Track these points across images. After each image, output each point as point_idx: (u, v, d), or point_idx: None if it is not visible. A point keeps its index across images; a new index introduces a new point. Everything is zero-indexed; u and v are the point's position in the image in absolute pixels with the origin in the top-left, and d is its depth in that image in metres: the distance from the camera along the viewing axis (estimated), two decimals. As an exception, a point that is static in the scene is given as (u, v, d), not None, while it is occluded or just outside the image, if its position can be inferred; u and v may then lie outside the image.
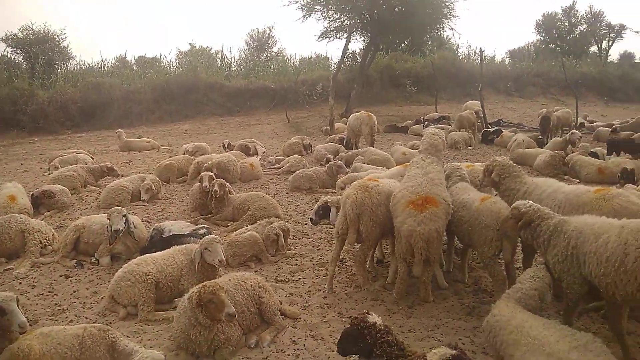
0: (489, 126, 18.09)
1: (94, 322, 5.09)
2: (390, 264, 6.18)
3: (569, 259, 4.43)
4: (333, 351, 4.61)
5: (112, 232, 6.59)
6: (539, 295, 4.64)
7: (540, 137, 15.47)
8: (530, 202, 5.03)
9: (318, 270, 6.55)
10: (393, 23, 26.99)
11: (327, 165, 10.91)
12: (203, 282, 5.52)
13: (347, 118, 22.97)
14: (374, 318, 3.83)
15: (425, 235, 5.14)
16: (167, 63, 34.17)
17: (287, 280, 6.24)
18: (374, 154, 11.97)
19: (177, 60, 35.87)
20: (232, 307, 4.35)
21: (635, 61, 64.24)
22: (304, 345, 4.76)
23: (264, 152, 14.50)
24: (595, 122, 22.38)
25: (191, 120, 26.39)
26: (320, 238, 7.75)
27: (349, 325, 3.94)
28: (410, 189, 5.49)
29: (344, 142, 14.51)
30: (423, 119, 22.63)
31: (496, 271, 5.36)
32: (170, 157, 13.70)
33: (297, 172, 10.73)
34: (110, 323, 5.23)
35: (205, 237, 5.67)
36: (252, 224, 8.00)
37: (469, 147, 15.62)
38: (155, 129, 23.62)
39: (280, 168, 12.42)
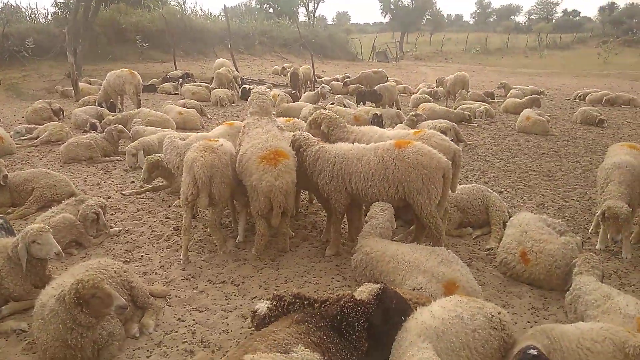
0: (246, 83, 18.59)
1: None
2: (239, 222, 6.11)
3: (335, 179, 5.50)
4: (227, 318, 4.48)
5: None
6: (390, 224, 5.41)
7: (293, 92, 16.78)
8: (303, 132, 6.03)
9: (157, 243, 6.00)
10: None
11: (105, 131, 9.66)
12: (33, 281, 4.61)
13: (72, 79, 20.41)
14: (261, 307, 3.76)
15: (284, 188, 5.28)
16: None
17: (128, 260, 5.54)
18: (150, 115, 11.10)
19: None
20: (121, 298, 3.73)
21: (329, 23, 73.95)
22: (193, 319, 4.44)
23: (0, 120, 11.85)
24: (322, 77, 25.28)
25: None
26: (138, 210, 7.01)
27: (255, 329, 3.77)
28: (258, 146, 5.47)
29: (106, 105, 12.92)
30: (167, 76, 21.87)
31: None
32: None
33: (71, 140, 9.21)
34: None
35: (28, 228, 4.55)
36: (42, 206, 6.77)
37: (233, 104, 15.89)
38: None
39: (36, 138, 10.39)
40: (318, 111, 6.68)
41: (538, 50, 55.37)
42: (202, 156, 5.34)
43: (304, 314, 3.69)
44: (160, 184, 7.91)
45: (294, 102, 15.37)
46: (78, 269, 4.33)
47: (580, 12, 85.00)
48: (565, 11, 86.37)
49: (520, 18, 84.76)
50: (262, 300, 3.82)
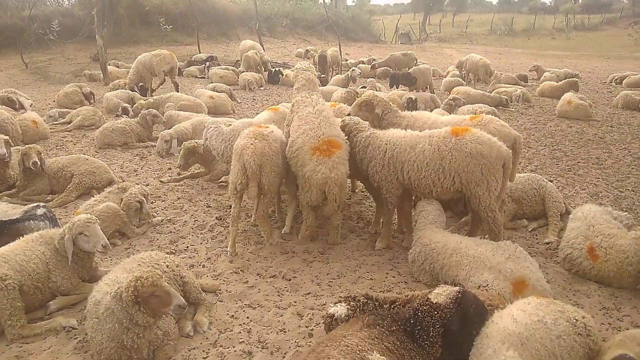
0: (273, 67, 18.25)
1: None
2: (288, 212, 5.89)
3: (386, 167, 5.17)
4: (282, 316, 4.27)
5: None
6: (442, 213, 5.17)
7: (323, 75, 16.41)
8: (355, 117, 5.71)
9: (200, 233, 5.81)
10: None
11: (139, 115, 9.49)
12: (80, 274, 4.45)
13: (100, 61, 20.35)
14: (339, 311, 3.59)
15: (339, 180, 5.03)
16: None
17: (173, 251, 5.36)
18: (182, 99, 10.89)
19: None
20: (180, 297, 3.53)
21: (349, 4, 72.52)
22: (247, 317, 4.25)
23: (32, 104, 11.74)
24: (347, 59, 24.78)
25: None
26: (179, 198, 6.83)
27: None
28: (310, 134, 5.19)
29: (137, 88, 12.72)
30: (192, 59, 21.67)
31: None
32: None
33: (105, 125, 9.06)
34: (-35, 358, 3.71)
35: (75, 219, 4.38)
36: (81, 193, 6.66)
37: (261, 88, 15.62)
38: None
39: (69, 123, 10.28)
40: (371, 92, 6.38)
41: (565, 31, 53.68)
42: (252, 143, 5.10)
43: (375, 317, 3.45)
44: (199, 171, 7.72)
45: (322, 85, 15.02)
46: (130, 262, 4.16)
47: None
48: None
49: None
50: (335, 303, 3.59)
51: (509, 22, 54.83)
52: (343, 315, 3.59)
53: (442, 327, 3.36)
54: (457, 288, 3.49)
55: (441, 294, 3.45)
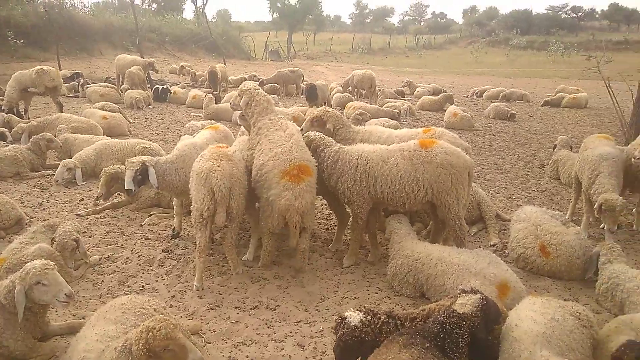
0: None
1: None
2: (252, 239, 5.53)
3: (358, 182, 5.20)
4: (283, 349, 4.01)
5: None
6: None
7: (215, 92, 15.88)
8: (319, 132, 5.69)
9: (151, 270, 5.19)
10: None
11: (31, 141, 8.22)
12: (33, 333, 3.73)
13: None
14: (353, 317, 3.46)
15: (301, 209, 4.88)
16: None
17: (127, 293, 4.70)
18: (73, 121, 9.72)
19: None
20: (197, 350, 3.10)
21: (231, 20, 71.66)
22: (247, 356, 3.88)
23: None
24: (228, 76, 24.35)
25: None
26: (108, 232, 6.04)
27: (338, 341, 3.37)
28: (281, 157, 4.95)
29: (9, 109, 10.99)
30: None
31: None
32: None
33: (-11, 154, 7.72)
34: None
35: (28, 267, 3.64)
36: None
37: (150, 106, 14.61)
38: None
39: None
40: (323, 108, 6.31)
41: (416, 50, 59.00)
42: (219, 165, 4.71)
43: (407, 336, 3.36)
44: (120, 201, 6.94)
45: (216, 103, 14.55)
46: (110, 311, 3.56)
47: (446, 15, 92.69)
48: (433, 13, 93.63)
49: (395, 19, 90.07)
50: (351, 309, 3.40)
51: (367, 41, 58.68)
52: (354, 323, 3.40)
53: (469, 336, 3.41)
54: (479, 295, 3.56)
55: (466, 304, 3.49)
